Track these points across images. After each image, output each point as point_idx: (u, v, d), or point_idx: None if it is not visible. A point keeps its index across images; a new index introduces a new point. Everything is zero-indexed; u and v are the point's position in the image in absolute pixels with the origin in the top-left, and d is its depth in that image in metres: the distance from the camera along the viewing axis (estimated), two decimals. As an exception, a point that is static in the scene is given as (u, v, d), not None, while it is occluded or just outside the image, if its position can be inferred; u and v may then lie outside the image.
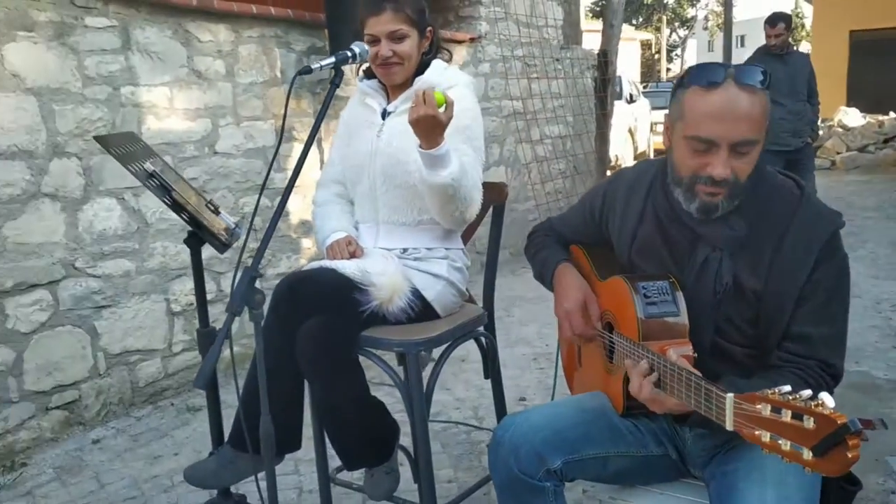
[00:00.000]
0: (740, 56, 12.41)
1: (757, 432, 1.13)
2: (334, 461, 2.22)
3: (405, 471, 2.21)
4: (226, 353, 3.33)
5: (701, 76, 1.45)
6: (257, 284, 1.60)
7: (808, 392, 1.09)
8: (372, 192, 2.09)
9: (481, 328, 2.20)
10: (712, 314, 1.55)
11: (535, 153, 6.57)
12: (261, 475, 1.75)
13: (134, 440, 3.28)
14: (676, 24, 48.96)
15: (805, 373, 1.47)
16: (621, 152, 11.51)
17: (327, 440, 2.11)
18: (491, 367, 2.25)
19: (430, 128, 1.78)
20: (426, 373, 2.02)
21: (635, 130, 12.52)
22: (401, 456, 2.20)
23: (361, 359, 2.01)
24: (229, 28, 3.95)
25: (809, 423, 1.05)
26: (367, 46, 1.95)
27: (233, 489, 2.17)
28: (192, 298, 3.83)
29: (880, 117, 12.60)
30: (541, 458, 1.52)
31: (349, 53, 1.87)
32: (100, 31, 3.38)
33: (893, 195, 8.99)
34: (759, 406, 1.13)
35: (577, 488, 1.80)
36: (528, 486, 1.52)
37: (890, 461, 2.68)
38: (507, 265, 5.69)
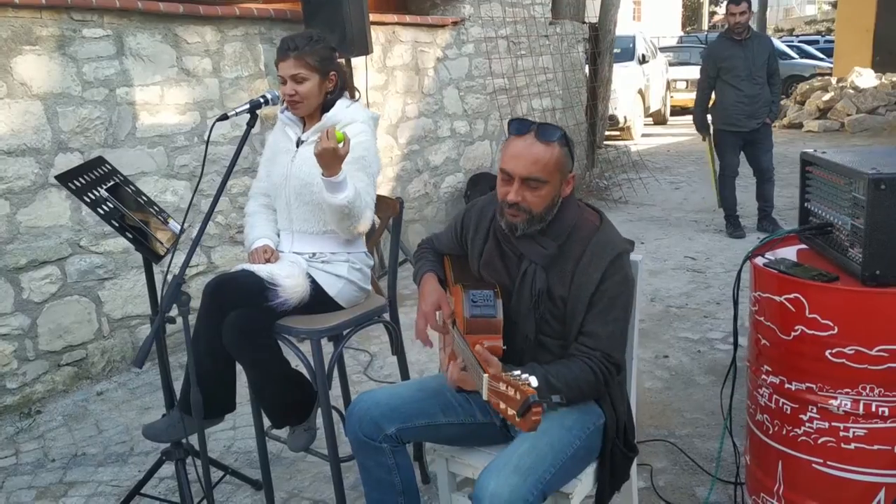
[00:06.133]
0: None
1: (495, 401, 1.61)
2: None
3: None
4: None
5: (515, 128, 1.94)
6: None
7: (524, 375, 1.55)
8: (287, 206, 2.56)
9: (386, 316, 2.69)
10: (532, 313, 2.01)
11: (523, 126, 6.93)
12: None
13: (131, 393, 3.88)
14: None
15: (592, 361, 1.92)
16: (630, 113, 11.71)
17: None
18: (394, 345, 2.74)
19: (330, 159, 2.25)
20: (328, 354, 2.53)
21: (647, 90, 12.65)
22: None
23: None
24: (215, 29, 4.41)
25: (516, 394, 1.53)
26: (278, 92, 2.42)
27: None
28: (187, 271, 4.39)
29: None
30: (378, 426, 2.01)
31: (261, 100, 2.34)
32: (96, 41, 3.87)
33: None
34: (500, 383, 1.60)
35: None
36: (371, 446, 2.02)
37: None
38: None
